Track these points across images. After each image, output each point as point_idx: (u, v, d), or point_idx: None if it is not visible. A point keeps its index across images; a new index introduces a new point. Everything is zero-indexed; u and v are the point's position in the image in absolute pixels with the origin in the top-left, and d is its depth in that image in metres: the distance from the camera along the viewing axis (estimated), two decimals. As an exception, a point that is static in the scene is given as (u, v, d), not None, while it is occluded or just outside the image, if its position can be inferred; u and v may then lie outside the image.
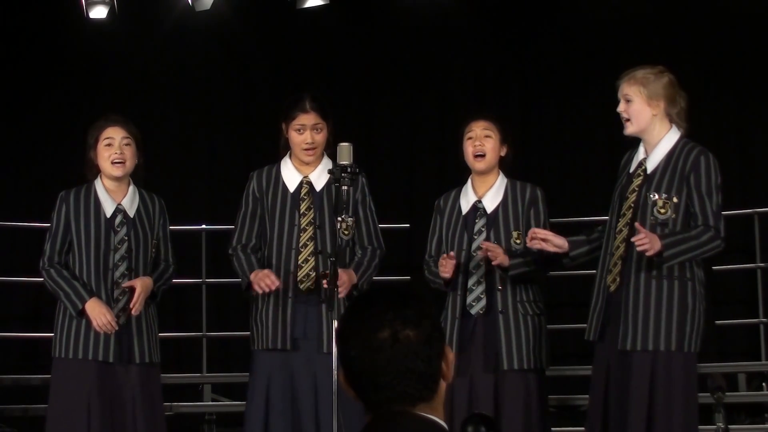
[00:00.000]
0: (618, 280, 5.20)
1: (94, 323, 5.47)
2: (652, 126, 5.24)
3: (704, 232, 5.08)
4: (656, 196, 5.15)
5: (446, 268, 5.48)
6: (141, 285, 5.55)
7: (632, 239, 5.05)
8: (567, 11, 9.44)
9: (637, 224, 5.09)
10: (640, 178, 5.23)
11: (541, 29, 9.58)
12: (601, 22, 9.31)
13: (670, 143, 5.21)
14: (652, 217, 5.14)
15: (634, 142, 5.40)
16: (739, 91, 9.35)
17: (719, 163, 5.22)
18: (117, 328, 5.49)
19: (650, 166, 5.23)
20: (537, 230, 5.37)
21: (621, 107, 5.26)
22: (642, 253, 5.06)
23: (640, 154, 5.29)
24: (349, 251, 5.63)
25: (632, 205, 5.22)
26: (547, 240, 5.31)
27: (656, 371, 5.08)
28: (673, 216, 5.14)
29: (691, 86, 9.29)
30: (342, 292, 5.25)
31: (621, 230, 5.22)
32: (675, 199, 5.14)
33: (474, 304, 5.56)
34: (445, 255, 5.53)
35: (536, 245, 5.34)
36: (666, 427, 5.04)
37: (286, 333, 5.50)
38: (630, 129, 5.27)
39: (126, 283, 5.55)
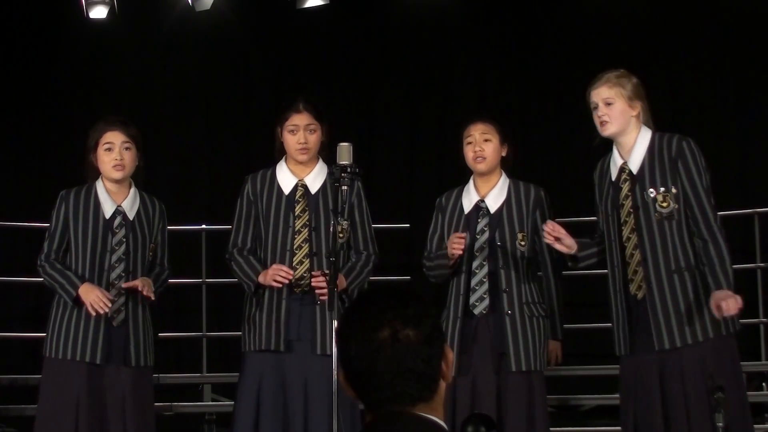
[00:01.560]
0: (644, 286, 5.20)
1: (88, 305, 5.46)
2: (630, 127, 5.28)
3: (716, 242, 5.12)
4: (654, 192, 5.18)
5: (458, 245, 5.43)
6: (141, 280, 5.56)
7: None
8: (567, 11, 9.44)
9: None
10: (627, 182, 5.26)
11: (541, 29, 9.58)
12: (601, 22, 9.31)
13: (646, 141, 5.26)
14: (656, 213, 5.17)
15: (607, 150, 5.42)
16: (739, 91, 9.35)
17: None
18: (111, 305, 5.48)
19: (634, 166, 5.25)
20: (553, 225, 5.33)
21: (601, 110, 5.28)
22: (656, 252, 5.12)
23: (617, 160, 5.31)
24: (343, 254, 5.62)
25: (631, 210, 5.23)
26: (560, 239, 5.31)
27: (707, 360, 5.08)
28: (676, 206, 5.17)
29: (691, 86, 9.31)
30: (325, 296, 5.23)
31: (629, 237, 5.22)
32: (674, 190, 5.17)
33: (477, 304, 5.55)
34: (457, 233, 5.50)
35: (548, 240, 5.34)
36: (731, 412, 5.03)
37: (280, 334, 5.50)
38: (611, 129, 5.28)
39: (126, 284, 5.55)
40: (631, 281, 5.22)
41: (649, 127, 5.31)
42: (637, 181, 5.23)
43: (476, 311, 5.54)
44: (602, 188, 5.38)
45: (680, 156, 5.18)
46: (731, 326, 5.15)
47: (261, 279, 5.52)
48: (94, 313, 5.46)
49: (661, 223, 5.15)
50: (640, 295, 5.19)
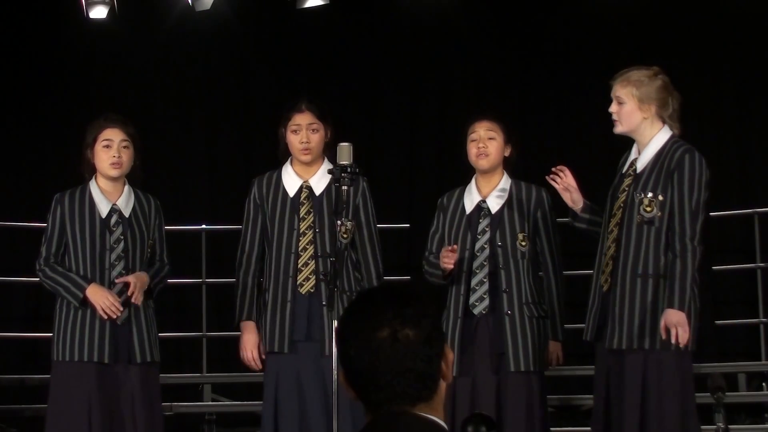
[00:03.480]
0: (609, 280, 5.23)
1: (98, 308, 5.48)
2: (642, 127, 5.28)
3: (683, 260, 5.10)
4: (643, 195, 5.21)
5: (449, 259, 5.47)
6: (134, 277, 5.56)
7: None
8: (567, 10, 9.44)
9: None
10: (630, 177, 5.29)
11: (541, 29, 9.57)
12: (601, 22, 9.31)
13: (659, 143, 5.27)
14: (638, 216, 5.21)
15: (631, 141, 5.43)
16: (739, 91, 9.35)
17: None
18: (122, 309, 5.49)
19: (640, 165, 5.29)
20: (567, 173, 5.34)
21: (613, 108, 5.31)
22: (628, 253, 5.16)
23: (633, 154, 5.35)
24: (348, 254, 5.62)
25: (621, 204, 5.27)
26: (569, 190, 5.31)
27: (647, 370, 5.11)
28: (659, 214, 5.19)
29: (691, 86, 9.31)
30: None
31: (612, 230, 5.27)
32: (661, 197, 5.18)
33: (477, 304, 5.56)
34: (449, 247, 5.52)
35: (551, 181, 5.36)
36: (660, 428, 5.06)
37: (284, 336, 5.52)
38: (619, 129, 5.34)
39: (119, 279, 5.55)
40: (602, 272, 5.28)
41: (672, 128, 5.30)
42: (636, 180, 5.25)
43: (476, 311, 5.55)
44: (616, 176, 5.41)
45: (678, 167, 5.19)
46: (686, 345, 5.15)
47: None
48: (105, 317, 5.47)
49: (641, 226, 5.19)
50: (605, 287, 5.27)
